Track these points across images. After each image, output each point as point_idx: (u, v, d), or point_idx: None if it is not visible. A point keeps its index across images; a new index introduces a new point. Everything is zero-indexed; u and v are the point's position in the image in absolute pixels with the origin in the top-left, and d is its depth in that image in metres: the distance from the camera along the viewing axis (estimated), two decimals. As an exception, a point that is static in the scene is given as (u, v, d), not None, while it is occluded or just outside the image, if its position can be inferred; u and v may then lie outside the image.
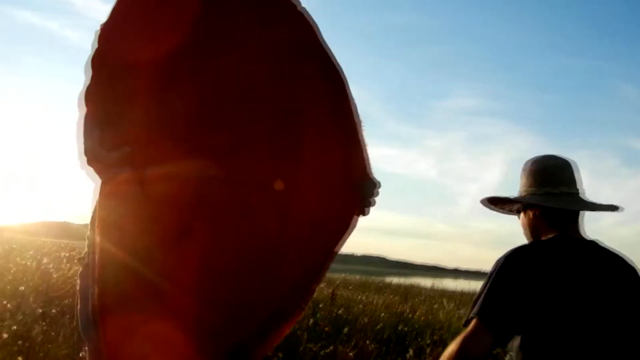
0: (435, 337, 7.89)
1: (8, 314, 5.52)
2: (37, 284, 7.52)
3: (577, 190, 1.81)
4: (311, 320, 8.12)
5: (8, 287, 6.81)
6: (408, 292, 20.05)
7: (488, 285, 1.70)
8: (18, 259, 10.30)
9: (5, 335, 4.47)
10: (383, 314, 9.85)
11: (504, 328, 1.65)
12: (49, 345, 4.78)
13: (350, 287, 19.33)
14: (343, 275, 27.48)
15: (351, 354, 6.17)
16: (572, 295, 1.62)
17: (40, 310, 5.79)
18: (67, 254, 15.31)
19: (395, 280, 30.24)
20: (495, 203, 1.99)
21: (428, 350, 6.95)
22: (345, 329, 7.51)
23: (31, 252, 12.78)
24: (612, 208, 1.81)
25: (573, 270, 1.66)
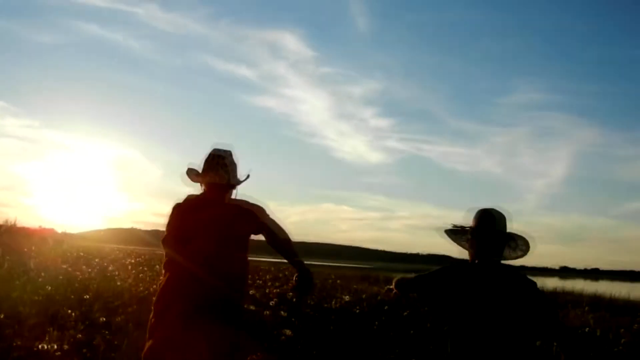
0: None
1: (73, 322, 5.57)
2: (101, 291, 7.61)
3: (503, 241, 2.78)
4: (376, 322, 7.97)
5: (72, 296, 6.91)
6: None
7: (433, 271, 2.81)
8: (84, 266, 10.51)
9: (66, 347, 4.47)
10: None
11: (424, 291, 2.83)
12: (113, 354, 4.77)
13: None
14: (409, 274, 27.31)
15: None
16: (474, 296, 2.58)
17: (103, 319, 5.82)
18: (132, 260, 15.64)
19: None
20: (455, 232, 2.89)
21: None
22: (411, 331, 7.35)
23: (97, 260, 13.10)
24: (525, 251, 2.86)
25: (478, 276, 2.66)
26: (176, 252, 3.00)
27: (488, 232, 2.73)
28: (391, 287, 3.04)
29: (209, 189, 3.12)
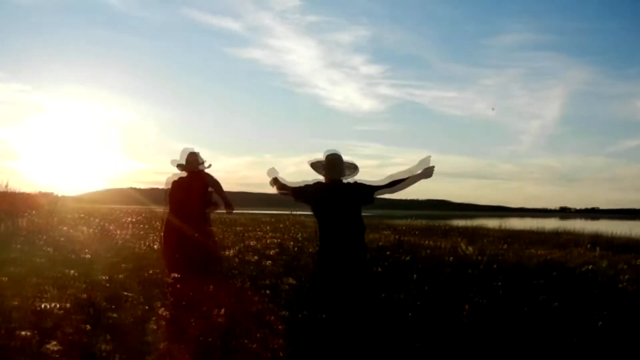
0: (506, 279, 7.59)
1: (73, 282, 5.57)
2: (101, 250, 7.61)
3: (343, 172, 4.66)
4: (379, 268, 8.00)
5: (72, 256, 6.91)
6: (474, 234, 19.73)
7: (304, 185, 4.69)
8: (84, 227, 10.49)
9: (67, 305, 4.47)
10: (451, 257, 9.61)
11: (297, 196, 4.71)
12: (115, 312, 4.78)
13: (417, 233, 19.16)
14: (408, 220, 27.32)
15: (418, 302, 6.00)
16: (323, 197, 4.53)
17: (104, 277, 5.82)
18: (132, 219, 15.63)
19: (461, 223, 29.88)
20: (316, 166, 4.72)
21: (500, 292, 6.72)
22: (414, 276, 7.36)
23: (97, 220, 13.08)
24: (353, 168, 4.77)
25: (328, 189, 4.57)
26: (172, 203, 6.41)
27: (334, 164, 4.68)
28: (272, 183, 4.88)
29: (189, 173, 6.43)
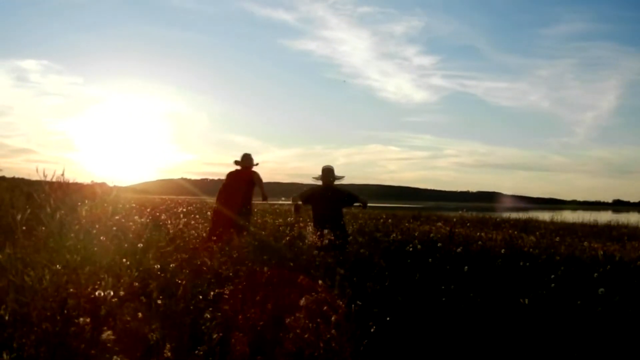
0: (558, 271, 7.43)
1: (128, 270, 5.63)
2: (154, 240, 7.69)
3: (332, 178, 8.77)
4: (430, 259, 7.92)
5: (126, 245, 6.99)
6: (527, 227, 19.47)
7: (307, 190, 8.98)
8: (136, 217, 10.63)
9: (122, 293, 4.52)
10: (503, 250, 9.52)
11: (304, 200, 8.94)
12: (167, 300, 4.81)
13: (468, 225, 19.02)
14: (459, 212, 27.14)
15: (471, 294, 5.91)
16: (320, 198, 8.63)
17: (157, 266, 5.88)
18: (184, 209, 15.84)
19: (512, 215, 29.56)
20: (318, 179, 9.03)
21: (554, 285, 6.58)
22: (466, 267, 7.27)
23: (149, 210, 13.30)
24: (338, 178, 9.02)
25: (320, 189, 8.78)
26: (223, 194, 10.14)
27: (325, 174, 8.66)
28: (292, 202, 9.04)
29: (242, 167, 10.14)
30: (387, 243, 9.51)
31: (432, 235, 12.03)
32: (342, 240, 7.81)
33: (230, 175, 10.02)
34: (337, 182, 8.89)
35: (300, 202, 8.92)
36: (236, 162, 10.03)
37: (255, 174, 9.88)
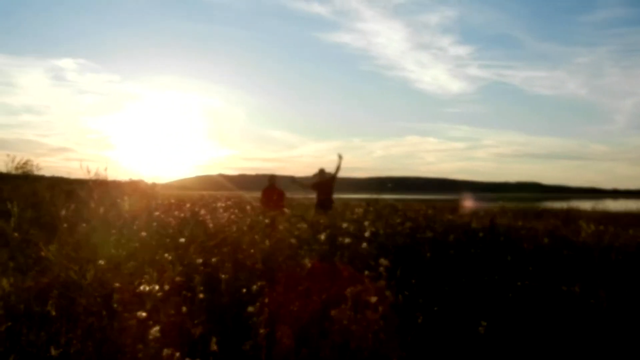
0: (605, 260, 7.29)
1: (170, 265, 5.68)
2: (195, 235, 7.74)
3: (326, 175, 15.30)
4: (472, 249, 7.83)
5: (168, 240, 7.06)
6: (569, 216, 19.22)
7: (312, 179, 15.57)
8: (176, 212, 10.73)
9: (166, 287, 4.55)
10: (546, 239, 9.38)
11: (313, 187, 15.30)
12: (211, 295, 4.84)
13: (509, 215, 18.84)
14: (500, 203, 26.87)
15: (518, 282, 5.83)
16: (319, 185, 15.08)
17: (200, 260, 5.91)
18: (223, 204, 15.93)
19: (554, 205, 29.19)
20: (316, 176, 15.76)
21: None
22: (508, 257, 7.18)
23: (188, 205, 13.41)
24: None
25: (319, 182, 15.17)
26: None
27: (322, 173, 15.14)
28: (292, 181, 15.72)
29: (271, 184, 15.02)
30: (430, 234, 9.43)
31: (473, 225, 11.90)
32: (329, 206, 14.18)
33: (265, 190, 15.06)
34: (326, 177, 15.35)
35: (307, 184, 15.61)
36: (269, 182, 15.30)
37: (280, 191, 15.10)
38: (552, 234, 10.47)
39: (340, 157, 14.63)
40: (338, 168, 14.88)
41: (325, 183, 14.92)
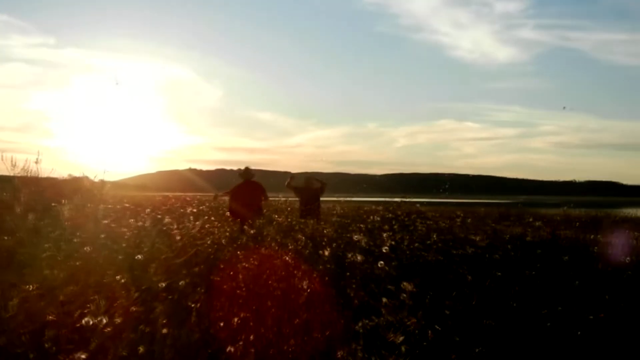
0: None
1: (124, 290, 5.65)
2: (158, 250, 7.73)
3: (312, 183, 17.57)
4: (526, 270, 7.81)
5: (120, 257, 7.04)
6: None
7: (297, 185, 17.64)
8: (131, 220, 10.73)
9: (118, 320, 4.52)
10: (628, 258, 9.30)
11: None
12: (177, 330, 4.81)
13: (576, 225, 18.82)
14: (563, 209, 26.71)
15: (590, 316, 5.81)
16: (305, 193, 17.30)
17: (162, 284, 5.89)
18: (194, 210, 15.94)
19: (637, 212, 29.07)
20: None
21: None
22: (576, 282, 7.17)
23: (148, 211, 13.41)
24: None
25: (306, 190, 17.58)
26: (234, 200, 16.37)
27: (309, 181, 17.47)
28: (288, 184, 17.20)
29: (246, 179, 16.54)
30: (470, 249, 9.42)
31: (527, 238, 11.89)
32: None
33: (237, 186, 16.52)
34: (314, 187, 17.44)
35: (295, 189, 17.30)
36: (241, 176, 16.72)
37: (259, 185, 16.76)
38: (637, 251, 10.44)
39: (323, 183, 17.68)
40: (323, 190, 17.43)
41: (313, 192, 17.23)
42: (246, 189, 16.35)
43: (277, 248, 7.89)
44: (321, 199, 19.36)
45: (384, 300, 4.71)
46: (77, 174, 16.64)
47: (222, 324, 4.99)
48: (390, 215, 17.14)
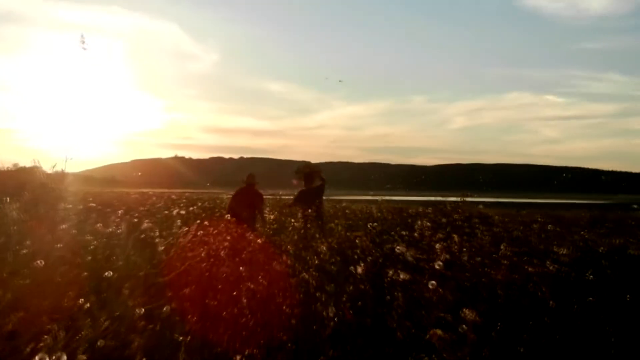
0: None
1: (90, 318, 5.68)
2: (134, 264, 7.76)
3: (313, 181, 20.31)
4: (627, 295, 7.83)
5: (85, 274, 7.08)
6: None
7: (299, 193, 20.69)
8: (99, 225, 10.77)
9: (82, 358, 4.55)
10: None
11: (296, 202, 20.42)
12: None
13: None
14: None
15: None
16: (306, 195, 20.07)
17: (140, 310, 5.91)
18: (181, 211, 16.03)
19: None
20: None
21: None
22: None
23: (120, 212, 13.45)
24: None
25: (307, 192, 20.29)
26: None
27: (309, 177, 20.17)
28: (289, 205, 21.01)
29: (248, 184, 19.54)
30: (552, 266, 9.42)
31: (630, 252, 11.90)
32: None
33: (238, 190, 19.04)
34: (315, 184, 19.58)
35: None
36: (243, 182, 19.09)
37: (258, 193, 18.98)
38: None
39: (323, 179, 20.42)
40: (322, 189, 19.94)
41: (312, 192, 19.63)
42: (242, 196, 19.17)
43: (292, 262, 7.91)
44: (334, 197, 20.66)
45: (438, 333, 4.72)
46: (26, 162, 16.77)
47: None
48: (444, 219, 17.19)
